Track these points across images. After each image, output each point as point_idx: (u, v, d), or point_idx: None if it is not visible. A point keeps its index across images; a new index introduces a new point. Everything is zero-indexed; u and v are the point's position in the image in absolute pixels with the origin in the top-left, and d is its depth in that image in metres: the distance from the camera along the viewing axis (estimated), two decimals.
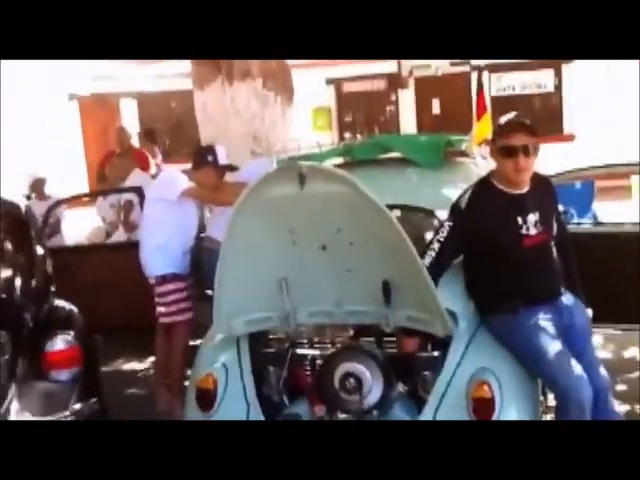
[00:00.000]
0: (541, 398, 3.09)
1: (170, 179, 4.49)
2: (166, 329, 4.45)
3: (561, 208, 6.56)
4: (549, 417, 3.11)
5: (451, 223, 2.99)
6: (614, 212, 7.37)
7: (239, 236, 2.85)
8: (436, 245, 2.97)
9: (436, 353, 3.03)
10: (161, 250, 4.36)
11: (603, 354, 4.48)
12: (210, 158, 4.41)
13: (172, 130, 13.86)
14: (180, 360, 4.33)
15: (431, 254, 2.95)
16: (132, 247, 4.70)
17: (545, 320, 2.96)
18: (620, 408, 3.59)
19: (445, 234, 2.97)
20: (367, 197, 2.62)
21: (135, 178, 6.03)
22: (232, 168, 4.53)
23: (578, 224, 5.48)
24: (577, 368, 2.84)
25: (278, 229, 2.86)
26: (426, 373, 2.99)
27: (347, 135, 13.56)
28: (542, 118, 12.25)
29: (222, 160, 4.44)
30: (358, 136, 13.23)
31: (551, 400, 3.08)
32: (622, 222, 4.76)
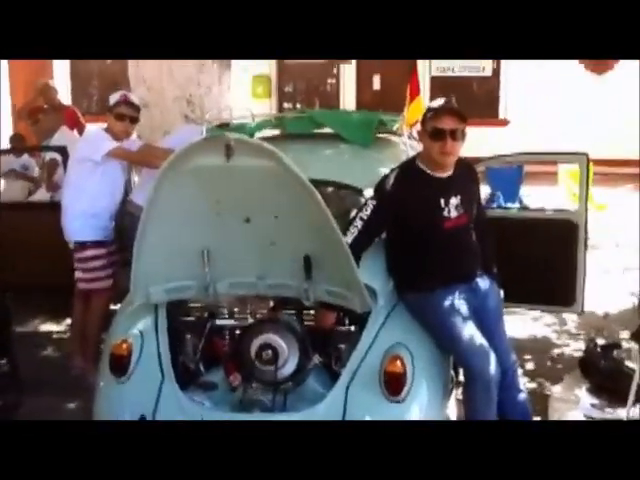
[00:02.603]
0: (452, 374, 3.19)
1: (95, 138, 4.35)
2: (84, 295, 4.37)
3: (489, 191, 6.75)
4: (459, 392, 3.22)
5: (375, 202, 3.04)
6: (541, 197, 7.62)
7: (162, 203, 2.80)
8: (359, 223, 3.01)
9: (353, 328, 3.08)
10: (84, 216, 4.24)
11: (518, 333, 4.65)
12: (108, 105, 4.36)
13: (105, 88, 13.45)
14: (97, 326, 4.26)
15: (353, 231, 2.99)
16: (54, 207, 4.57)
17: (460, 300, 3.05)
18: (528, 386, 3.74)
19: (368, 212, 3.02)
20: (292, 172, 2.61)
21: (61, 136, 5.83)
22: (128, 103, 4.34)
23: (502, 208, 5.65)
24: (486, 348, 2.95)
25: (202, 199, 2.82)
26: (342, 347, 3.04)
27: (286, 105, 13.47)
28: (478, 101, 12.46)
29: (112, 100, 4.32)
30: (298, 106, 13.18)
31: (461, 376, 3.19)
32: (543, 208, 4.93)
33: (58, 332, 5.14)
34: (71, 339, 4.54)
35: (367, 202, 3.07)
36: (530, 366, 4.41)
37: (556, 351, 4.74)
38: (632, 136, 10.64)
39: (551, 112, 11.66)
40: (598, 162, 5.73)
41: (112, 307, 4.27)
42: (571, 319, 5.13)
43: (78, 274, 4.31)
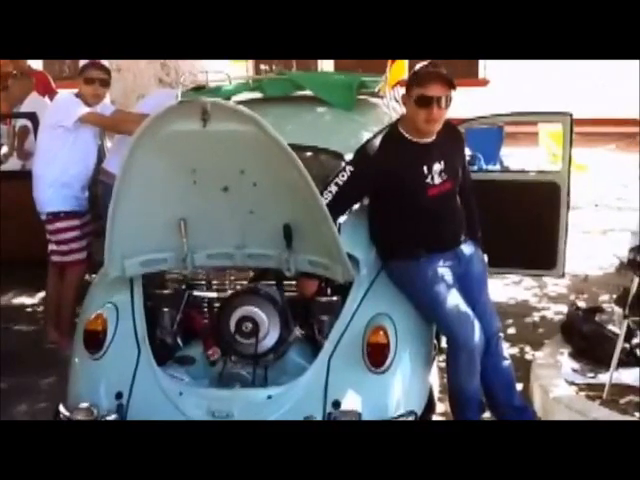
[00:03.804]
0: (434, 342, 3.15)
1: (66, 103, 4.20)
2: (58, 267, 4.27)
3: (469, 153, 6.71)
4: (441, 358, 3.19)
5: (352, 168, 2.94)
6: (521, 158, 7.59)
7: (136, 172, 2.70)
8: (333, 188, 2.91)
9: (335, 298, 3.02)
10: (56, 185, 4.12)
11: (498, 298, 4.63)
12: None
13: None
14: (72, 299, 4.17)
15: (327, 196, 2.88)
16: (26, 176, 4.43)
17: (444, 268, 2.99)
18: (510, 351, 3.73)
19: (345, 178, 2.92)
20: (272, 137, 2.52)
21: (32, 103, 5.65)
22: (97, 66, 4.19)
23: (483, 170, 5.59)
24: (470, 316, 2.91)
25: (178, 167, 2.72)
26: (324, 318, 2.98)
27: (263, 67, 13.22)
28: (458, 61, 12.30)
29: (82, 63, 4.19)
30: (274, 68, 12.93)
31: (444, 343, 3.16)
32: (524, 170, 4.88)
33: (32, 305, 5.04)
34: (45, 312, 4.45)
35: (344, 167, 2.97)
36: (511, 331, 4.40)
37: (537, 315, 4.74)
38: (612, 95, 10.60)
39: (531, 71, 11.55)
40: (578, 121, 5.68)
41: (87, 278, 4.19)
42: (552, 282, 5.12)
43: (51, 247, 4.21)
